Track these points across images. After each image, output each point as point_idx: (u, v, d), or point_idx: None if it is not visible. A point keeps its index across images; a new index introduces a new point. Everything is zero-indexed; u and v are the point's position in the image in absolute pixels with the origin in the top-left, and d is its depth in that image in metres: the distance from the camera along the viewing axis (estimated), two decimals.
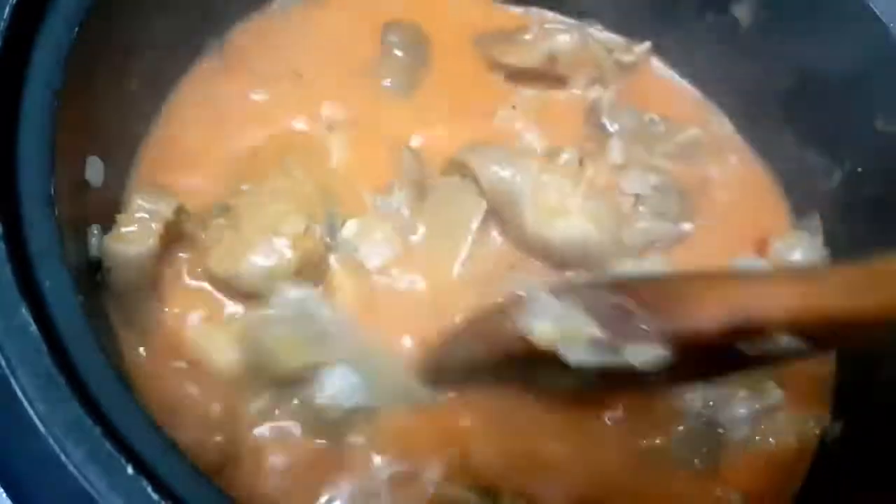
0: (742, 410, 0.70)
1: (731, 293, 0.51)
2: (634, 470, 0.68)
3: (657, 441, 0.69)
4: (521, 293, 0.60)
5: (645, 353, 0.52)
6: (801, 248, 0.78)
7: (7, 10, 0.54)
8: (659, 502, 0.69)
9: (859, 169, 0.79)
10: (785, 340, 0.50)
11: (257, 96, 0.80)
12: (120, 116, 0.71)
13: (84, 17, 0.59)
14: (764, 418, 0.71)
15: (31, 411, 0.46)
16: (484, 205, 0.74)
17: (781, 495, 0.71)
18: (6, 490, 0.46)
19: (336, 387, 0.63)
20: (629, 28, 0.90)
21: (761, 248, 0.80)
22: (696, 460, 0.69)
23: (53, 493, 0.46)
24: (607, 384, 0.60)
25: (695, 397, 0.70)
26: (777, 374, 0.72)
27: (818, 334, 0.50)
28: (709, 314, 0.50)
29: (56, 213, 0.53)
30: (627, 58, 0.88)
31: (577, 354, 0.55)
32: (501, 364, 0.63)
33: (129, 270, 0.63)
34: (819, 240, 0.80)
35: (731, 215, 0.83)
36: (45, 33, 0.57)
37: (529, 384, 0.67)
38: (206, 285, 0.69)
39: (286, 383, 0.65)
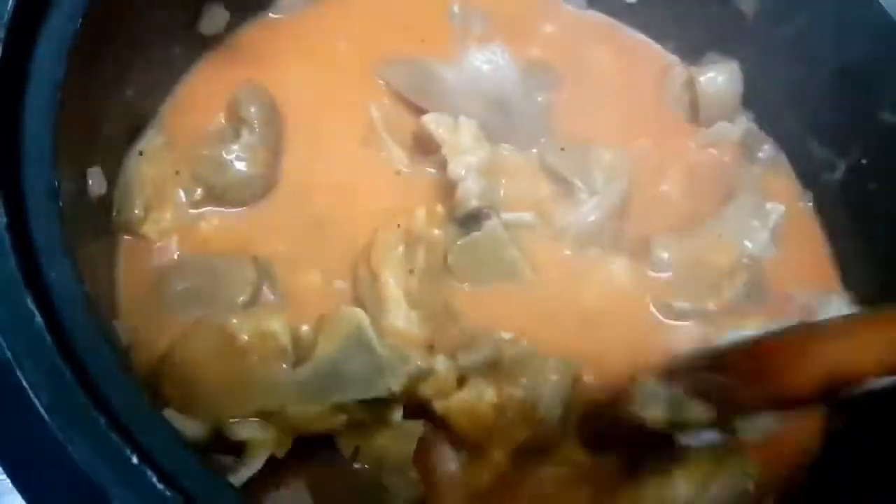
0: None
1: (822, 355, 0.53)
2: None
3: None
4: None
5: (754, 424, 0.57)
6: None
7: (10, 3, 0.54)
8: None
9: (864, 160, 0.79)
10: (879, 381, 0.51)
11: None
12: (123, 110, 0.71)
13: (87, 9, 0.59)
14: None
15: (36, 402, 0.46)
16: None
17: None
18: (13, 480, 0.47)
19: None
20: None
21: None
22: None
23: (59, 482, 0.46)
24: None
25: None
26: None
27: None
28: (806, 381, 0.52)
29: (60, 204, 0.53)
30: None
31: (689, 438, 0.60)
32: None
33: None
34: None
35: None
36: (49, 26, 0.57)
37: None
38: None
39: None
